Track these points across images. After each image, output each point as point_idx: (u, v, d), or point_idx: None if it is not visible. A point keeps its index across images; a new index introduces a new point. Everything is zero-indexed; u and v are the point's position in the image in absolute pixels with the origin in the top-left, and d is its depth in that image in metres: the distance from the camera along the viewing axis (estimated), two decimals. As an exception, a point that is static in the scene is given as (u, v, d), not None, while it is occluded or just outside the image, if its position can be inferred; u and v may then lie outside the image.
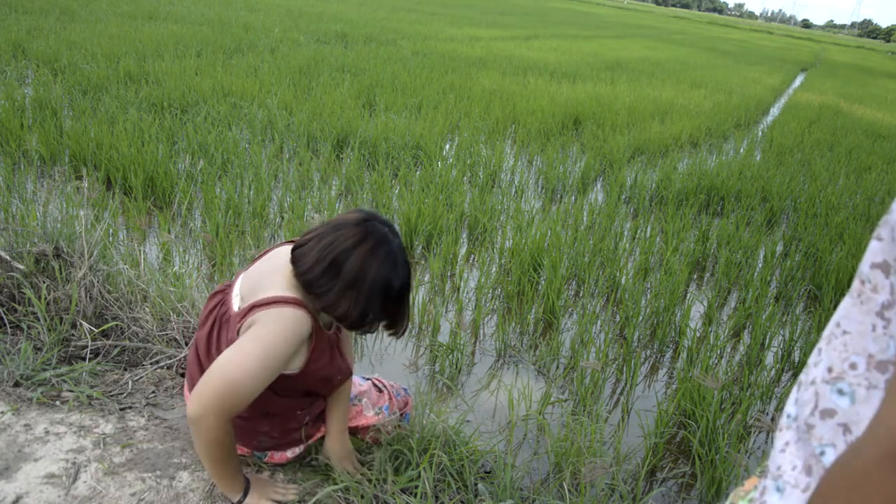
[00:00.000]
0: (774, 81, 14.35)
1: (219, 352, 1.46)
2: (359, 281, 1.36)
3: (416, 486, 1.64)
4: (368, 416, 1.77)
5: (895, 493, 0.46)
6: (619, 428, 2.43)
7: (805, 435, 0.63)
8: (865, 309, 0.58)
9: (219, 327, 1.49)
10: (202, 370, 1.51)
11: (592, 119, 7.03)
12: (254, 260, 1.57)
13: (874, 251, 0.57)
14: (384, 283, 1.37)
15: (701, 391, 2.37)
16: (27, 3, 9.86)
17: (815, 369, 0.64)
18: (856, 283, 0.60)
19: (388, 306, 1.42)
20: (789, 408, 0.66)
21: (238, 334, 1.38)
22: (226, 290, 1.55)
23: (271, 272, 1.45)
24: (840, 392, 0.60)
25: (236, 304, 1.46)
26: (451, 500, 1.66)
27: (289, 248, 1.48)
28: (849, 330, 0.60)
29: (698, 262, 3.92)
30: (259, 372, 1.32)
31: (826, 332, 0.64)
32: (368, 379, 1.88)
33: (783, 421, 0.66)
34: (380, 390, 1.84)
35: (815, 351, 0.65)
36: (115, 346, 2.08)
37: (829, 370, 0.61)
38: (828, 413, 0.61)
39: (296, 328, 1.36)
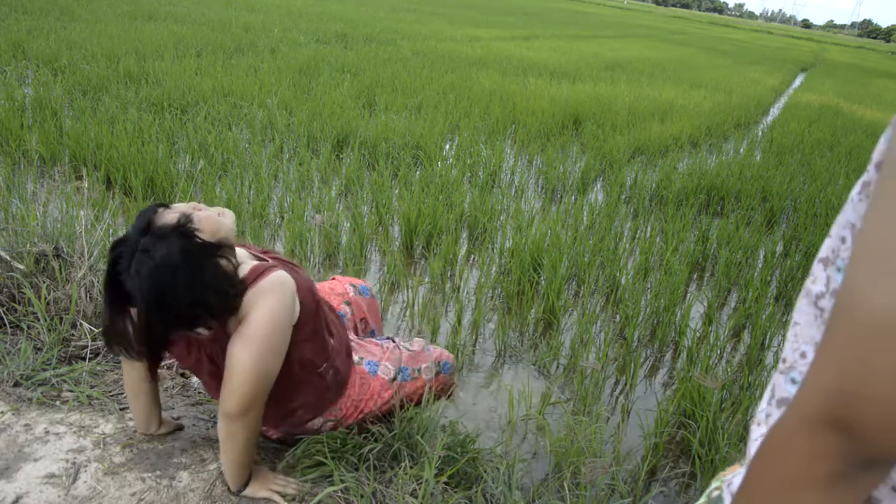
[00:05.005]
0: (774, 81, 14.34)
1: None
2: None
3: (418, 486, 1.64)
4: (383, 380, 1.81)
5: (808, 454, 0.50)
6: (619, 428, 2.43)
7: (765, 427, 0.66)
8: (808, 300, 0.61)
9: None
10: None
11: (592, 119, 7.03)
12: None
13: (823, 247, 0.60)
14: None
15: (701, 391, 2.37)
16: (27, 3, 9.86)
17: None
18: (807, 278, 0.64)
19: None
20: (764, 403, 0.69)
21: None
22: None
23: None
24: (793, 381, 0.63)
25: None
26: (451, 500, 1.66)
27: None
28: (799, 321, 0.63)
29: (698, 262, 3.92)
30: (271, 349, 1.42)
31: None
32: (390, 338, 1.95)
33: (760, 416, 0.70)
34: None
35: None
36: (115, 346, 2.08)
37: (784, 361, 0.65)
38: (783, 402, 0.64)
39: (283, 288, 1.45)
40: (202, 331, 1.44)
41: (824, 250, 0.60)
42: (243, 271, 1.46)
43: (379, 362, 1.80)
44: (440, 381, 1.92)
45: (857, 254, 0.50)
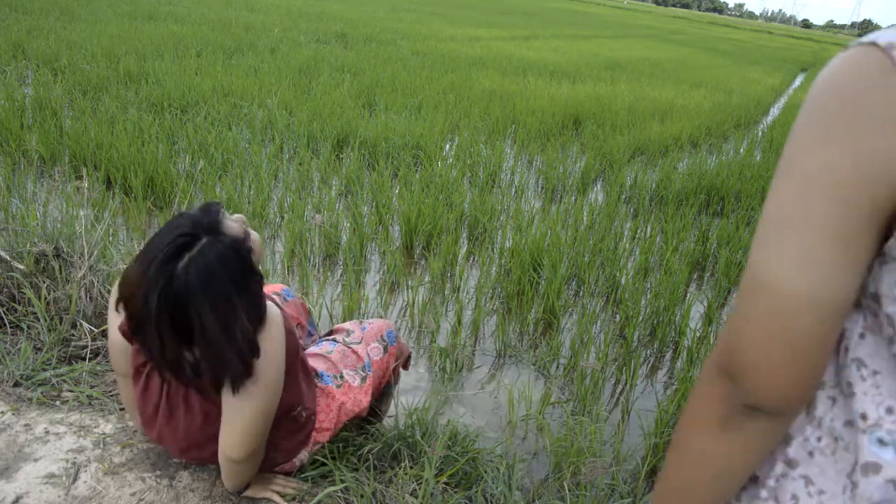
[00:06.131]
0: (774, 81, 14.34)
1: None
2: None
3: (418, 486, 1.64)
4: (358, 387, 1.68)
5: (707, 397, 0.61)
6: (619, 428, 2.43)
7: None
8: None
9: None
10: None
11: (592, 119, 7.03)
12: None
13: None
14: None
15: (701, 391, 2.37)
16: (27, 3, 9.86)
17: None
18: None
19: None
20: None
21: None
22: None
23: None
24: (880, 441, 0.58)
25: None
26: (451, 500, 1.66)
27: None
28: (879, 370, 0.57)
29: (698, 262, 3.92)
30: (272, 392, 1.36)
31: None
32: (334, 342, 1.78)
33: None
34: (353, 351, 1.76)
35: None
36: (115, 346, 2.08)
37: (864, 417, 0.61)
38: (869, 468, 0.61)
39: (273, 323, 1.35)
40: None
41: None
42: None
43: (340, 374, 1.68)
44: (392, 354, 1.81)
45: (759, 220, 0.57)
